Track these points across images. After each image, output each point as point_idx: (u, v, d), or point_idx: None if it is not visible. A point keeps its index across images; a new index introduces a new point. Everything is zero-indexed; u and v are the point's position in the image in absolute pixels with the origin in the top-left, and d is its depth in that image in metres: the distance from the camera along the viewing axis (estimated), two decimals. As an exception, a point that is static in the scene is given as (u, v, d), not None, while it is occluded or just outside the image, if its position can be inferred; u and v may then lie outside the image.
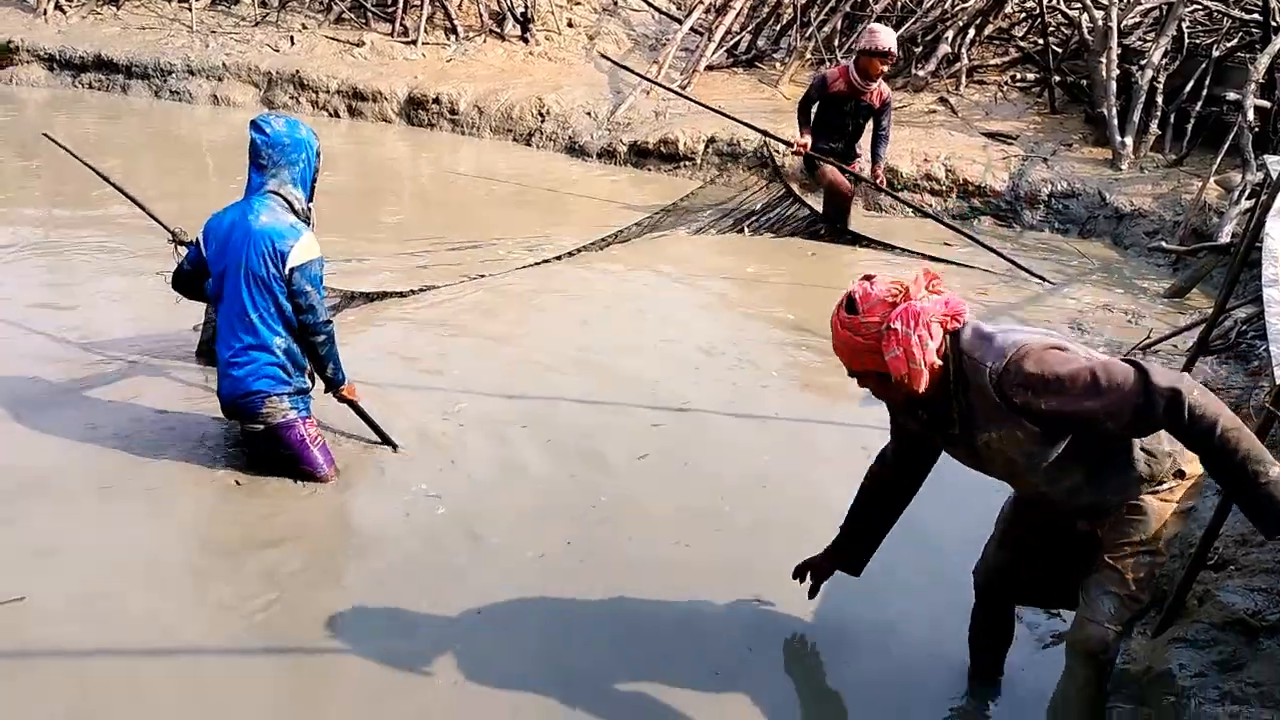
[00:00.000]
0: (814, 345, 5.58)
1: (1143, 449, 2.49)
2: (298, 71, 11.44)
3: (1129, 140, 8.72)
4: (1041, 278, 6.95)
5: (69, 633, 3.01)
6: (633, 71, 9.70)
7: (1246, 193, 7.37)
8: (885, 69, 7.27)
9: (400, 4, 12.05)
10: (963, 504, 3.61)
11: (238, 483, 3.89)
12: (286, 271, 3.75)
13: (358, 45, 11.86)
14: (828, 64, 10.87)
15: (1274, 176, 4.83)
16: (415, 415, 4.46)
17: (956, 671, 3.08)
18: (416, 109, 11.06)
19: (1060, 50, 10.21)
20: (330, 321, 3.91)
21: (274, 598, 3.24)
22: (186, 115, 11.22)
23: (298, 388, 3.92)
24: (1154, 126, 8.85)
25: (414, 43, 11.87)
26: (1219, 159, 7.90)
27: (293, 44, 12.01)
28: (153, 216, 4.74)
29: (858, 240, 7.54)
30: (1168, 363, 5.06)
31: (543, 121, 10.60)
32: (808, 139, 7.49)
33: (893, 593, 3.39)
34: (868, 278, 2.49)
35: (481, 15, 12.14)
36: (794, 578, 3.15)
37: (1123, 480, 2.51)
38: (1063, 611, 3.16)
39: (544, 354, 5.25)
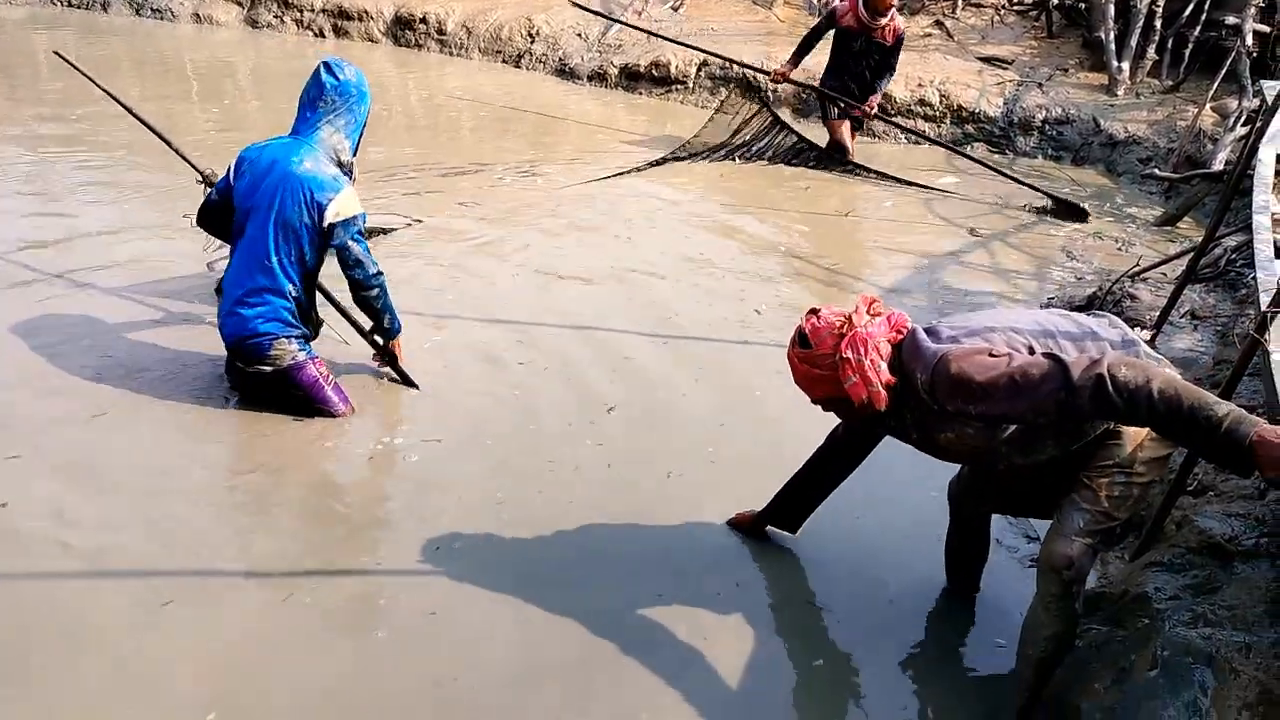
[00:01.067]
0: (808, 274, 5.56)
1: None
2: (282, -11, 11.19)
3: (1126, 65, 8.60)
4: (1078, 209, 6.73)
5: (40, 533, 3.04)
6: (605, 16, 9.54)
7: (1242, 119, 7.31)
8: (895, 2, 6.96)
9: (386, -81, 11.71)
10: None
11: (240, 414, 3.86)
12: (325, 225, 3.68)
13: (344, -37, 11.56)
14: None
15: (1269, 101, 4.76)
16: (422, 351, 4.40)
17: (933, 588, 3.12)
18: (403, 29, 10.85)
19: (1059, -28, 10.02)
20: (381, 273, 3.85)
21: (256, 523, 3.25)
22: (168, 34, 10.97)
23: (303, 332, 3.86)
24: (1152, 51, 8.72)
25: (400, -40, 11.57)
26: (1216, 85, 7.80)
27: (276, -40, 11.71)
28: (181, 155, 4.43)
29: (856, 169, 7.43)
30: (1156, 290, 5.05)
31: (532, 43, 10.41)
32: (789, 68, 7.32)
33: (867, 517, 3.42)
34: (813, 311, 2.60)
35: (470, -68, 11.81)
36: (728, 525, 3.32)
37: (1093, 426, 2.53)
38: (1043, 534, 3.19)
39: (539, 282, 5.21)
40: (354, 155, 3.84)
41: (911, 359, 2.48)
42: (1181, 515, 3.08)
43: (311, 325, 3.95)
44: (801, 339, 2.58)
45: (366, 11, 10.91)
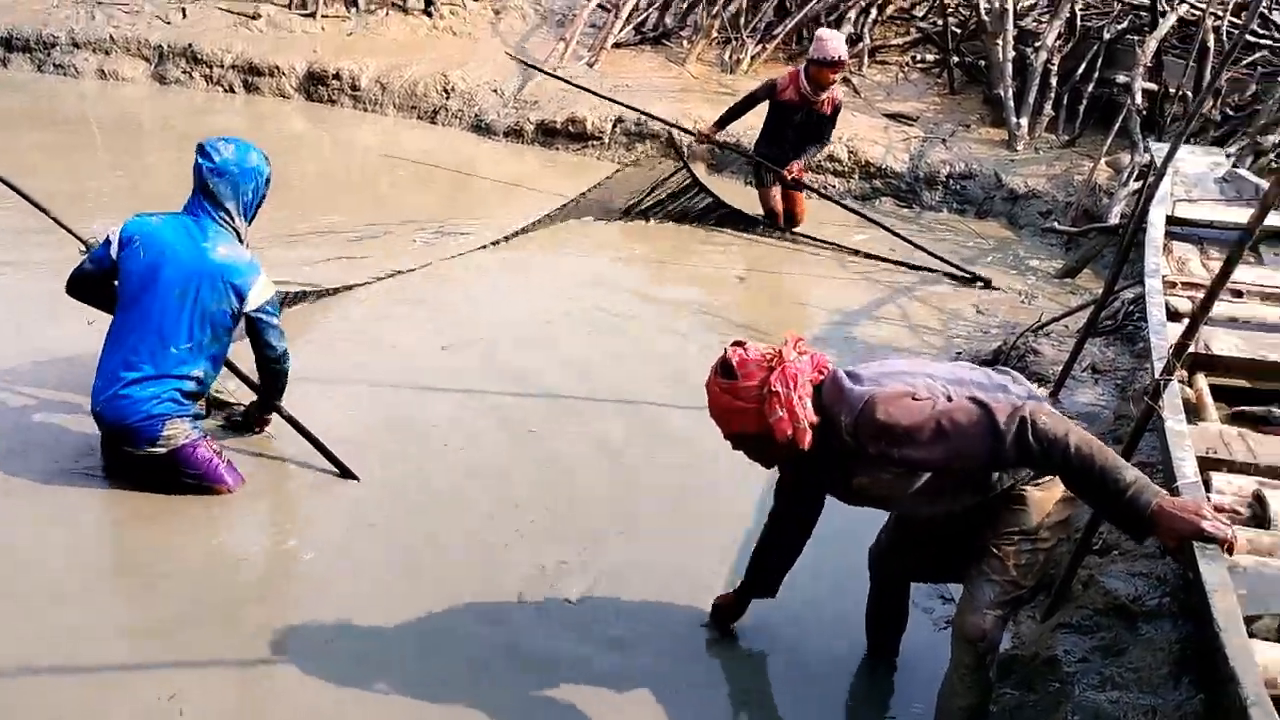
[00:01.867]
0: (720, 329, 5.61)
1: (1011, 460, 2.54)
2: (190, 45, 11.00)
3: (1024, 121, 8.91)
4: (980, 279, 6.74)
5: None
6: (533, 66, 9.60)
7: (1134, 174, 7.61)
8: (837, 78, 7.01)
9: (298, -25, 11.63)
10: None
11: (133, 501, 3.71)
12: (245, 310, 3.65)
13: (253, 17, 11.43)
14: (734, 42, 10.88)
15: (1157, 163, 4.96)
16: (327, 418, 4.31)
17: (851, 653, 3.14)
18: (316, 85, 10.74)
19: (959, 31, 10.37)
20: (287, 353, 3.85)
21: (137, 618, 3.12)
22: (72, 90, 10.71)
23: (196, 412, 3.79)
24: (1048, 108, 9.05)
25: (313, 15, 11.49)
26: (1109, 140, 8.12)
27: (185, 16, 11.52)
28: (61, 224, 4.18)
29: (784, 233, 7.41)
30: (1059, 345, 5.19)
31: (448, 99, 10.39)
32: (715, 130, 7.32)
33: (787, 583, 3.43)
34: (739, 343, 2.56)
35: (383, -12, 11.79)
36: (712, 623, 3.23)
37: (999, 484, 2.58)
38: (957, 596, 3.23)
39: (456, 356, 5.15)
40: (248, 226, 3.81)
41: (834, 400, 2.47)
42: (1088, 575, 3.15)
43: (200, 405, 3.87)
44: (725, 369, 2.50)
45: (278, 67, 10.79)
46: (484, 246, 6.55)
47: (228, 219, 3.68)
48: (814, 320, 5.97)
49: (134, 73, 11.02)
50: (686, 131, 7.82)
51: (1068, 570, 3.10)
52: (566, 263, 6.60)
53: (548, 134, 9.81)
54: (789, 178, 7.17)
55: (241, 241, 3.74)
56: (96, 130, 9.34)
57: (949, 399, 2.42)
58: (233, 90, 10.86)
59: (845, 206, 7.73)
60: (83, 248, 4.06)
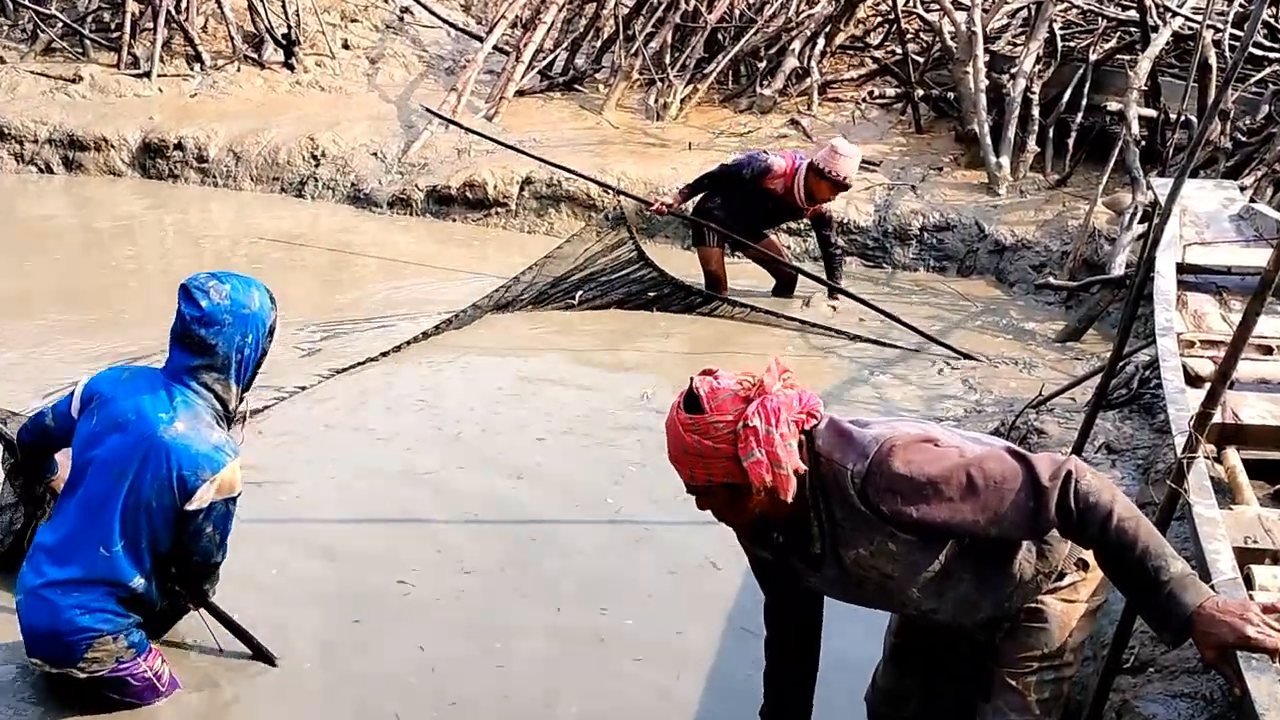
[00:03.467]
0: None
1: (1032, 547, 2.56)
2: (-7, 117, 10.99)
3: (1005, 160, 9.20)
4: (968, 356, 6.81)
5: None
6: (460, 125, 9.73)
7: (1138, 216, 7.85)
8: (834, 198, 7.42)
9: (127, 28, 11.71)
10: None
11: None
12: (188, 509, 3.31)
13: (74, 81, 11.45)
14: (659, 84, 11.11)
15: (1162, 202, 5.14)
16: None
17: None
18: (154, 157, 10.74)
19: (921, 60, 10.74)
20: (222, 561, 3.56)
21: None
22: None
23: (136, 622, 3.45)
24: (1032, 143, 9.35)
25: (147, 75, 11.54)
26: (1105, 177, 8.40)
27: (-14, 82, 11.51)
28: None
29: (733, 306, 7.49)
30: (1065, 422, 5.28)
31: (317, 166, 10.46)
32: (679, 200, 7.50)
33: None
34: (708, 372, 2.43)
35: (233, 38, 11.92)
36: None
37: (1019, 578, 2.57)
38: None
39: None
40: (245, 391, 3.50)
41: (835, 447, 2.42)
42: (1121, 700, 3.15)
43: (152, 611, 3.54)
44: (690, 403, 2.37)
45: (105, 139, 10.77)
46: (385, 354, 6.45)
47: (211, 382, 3.36)
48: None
49: (-78, 154, 10.94)
50: (643, 202, 7.78)
51: (1097, 696, 3.10)
52: (483, 366, 6.58)
53: (441, 202, 9.90)
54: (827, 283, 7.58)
55: (226, 415, 3.42)
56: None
57: (977, 446, 2.43)
58: (50, 169, 10.81)
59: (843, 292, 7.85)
60: None
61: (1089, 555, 2.61)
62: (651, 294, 7.52)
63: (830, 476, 2.41)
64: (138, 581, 3.37)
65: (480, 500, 4.89)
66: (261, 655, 3.75)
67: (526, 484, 5.05)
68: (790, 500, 2.39)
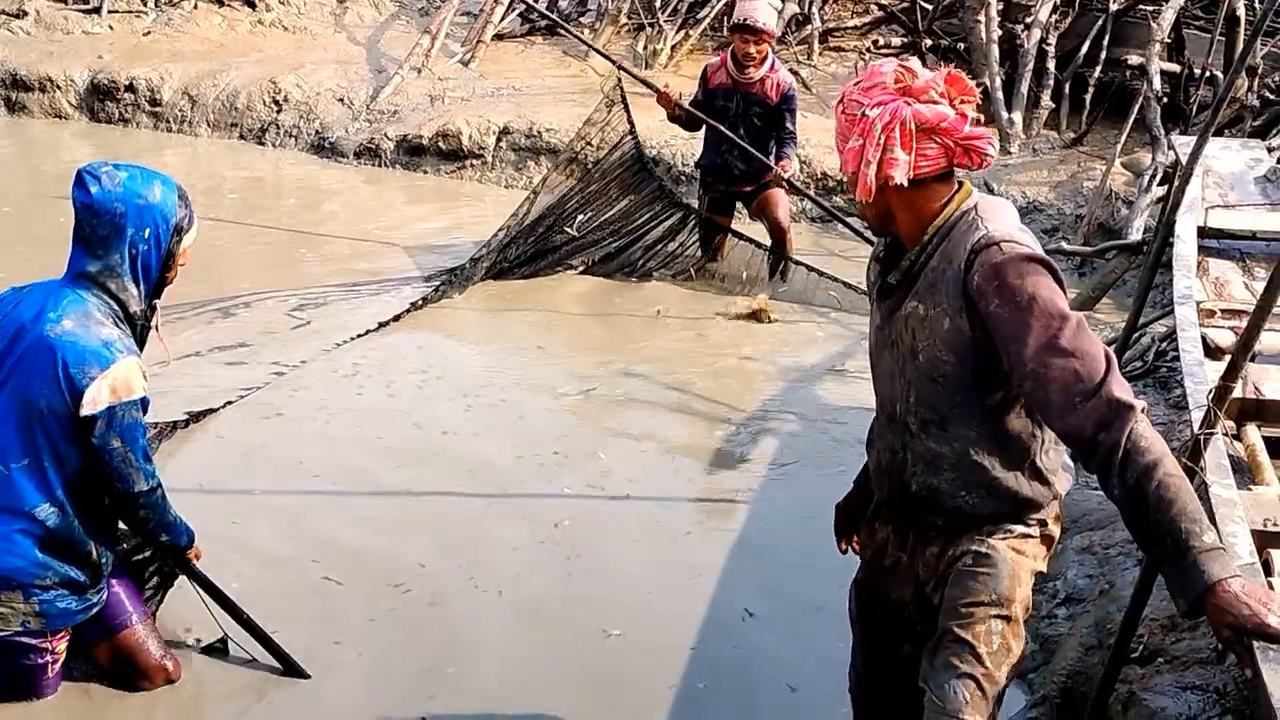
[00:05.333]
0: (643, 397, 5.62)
1: (1037, 463, 2.58)
2: (-70, 54, 10.90)
3: (1018, 117, 9.17)
4: None
5: None
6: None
7: (1158, 177, 7.83)
8: (758, 52, 7.01)
9: (76, -41, 11.59)
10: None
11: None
12: (82, 414, 3.15)
13: (18, 16, 11.37)
14: (649, 29, 11.06)
15: (1183, 162, 5.13)
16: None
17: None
18: (103, 99, 10.66)
19: (930, 7, 10.68)
20: (155, 489, 3.34)
21: None
22: None
23: (62, 579, 3.28)
24: (1046, 98, 9.33)
25: (97, 10, 11.46)
26: (1124, 136, 8.37)
27: (-78, 17, 11.41)
28: None
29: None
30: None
31: (279, 112, 10.38)
32: (682, 105, 7.16)
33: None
34: (905, 60, 2.56)
35: (190, -28, 11.80)
36: (840, 543, 3.08)
37: (992, 486, 2.59)
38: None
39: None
40: (153, 298, 3.38)
41: (989, 213, 2.49)
42: (1128, 691, 3.16)
43: (90, 568, 3.34)
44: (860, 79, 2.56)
45: (50, 79, 10.67)
46: (384, 324, 6.35)
47: (105, 280, 3.25)
48: (760, 378, 6.01)
49: None
50: (652, 88, 7.57)
51: (1101, 685, 3.11)
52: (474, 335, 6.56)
53: (412, 152, 9.84)
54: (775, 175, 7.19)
55: (128, 319, 3.30)
56: None
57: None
58: (-10, 111, 10.72)
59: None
60: None
61: (1053, 525, 2.67)
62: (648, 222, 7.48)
63: (962, 227, 2.48)
64: (46, 511, 3.21)
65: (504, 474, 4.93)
66: (288, 665, 3.63)
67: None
68: (866, 201, 2.51)
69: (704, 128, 7.25)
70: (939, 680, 2.57)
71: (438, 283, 6.96)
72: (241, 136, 10.37)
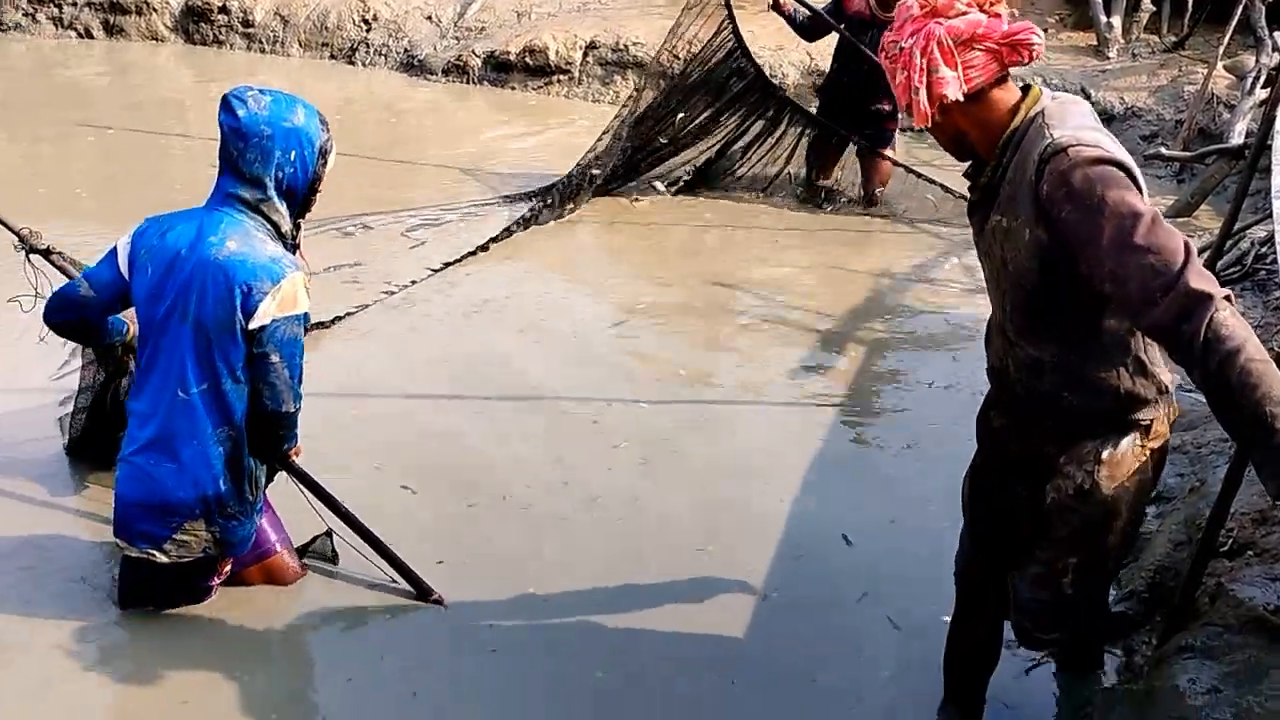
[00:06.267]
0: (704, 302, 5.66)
1: (1140, 357, 2.61)
2: (31, -21, 11.12)
3: (1117, 21, 8.96)
4: None
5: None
6: None
7: (1261, 80, 7.65)
8: None
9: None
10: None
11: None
12: (250, 328, 3.20)
13: (112, -59, 11.53)
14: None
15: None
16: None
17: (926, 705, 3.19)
18: (197, 21, 10.83)
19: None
20: (298, 411, 3.38)
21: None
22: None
23: (239, 504, 3.37)
24: (1147, 1, 9.09)
25: (189, -67, 11.58)
26: (1226, 38, 8.15)
27: (22, -58, 11.62)
28: None
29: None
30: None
31: (369, 31, 10.48)
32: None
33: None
34: None
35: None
36: None
37: (1094, 385, 2.63)
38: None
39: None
40: (299, 218, 3.41)
41: (1056, 116, 2.49)
42: (1215, 584, 3.18)
43: (255, 490, 3.42)
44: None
45: (146, 2, 10.87)
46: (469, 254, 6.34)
47: (257, 203, 3.27)
48: (853, 287, 6.02)
49: (-42, 17, 11.11)
50: None
51: (1189, 579, 3.13)
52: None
53: (499, 69, 9.89)
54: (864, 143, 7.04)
55: (282, 237, 3.33)
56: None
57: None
58: (89, 35, 10.95)
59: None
60: (17, 241, 3.77)
61: (1166, 428, 2.68)
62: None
63: (1031, 135, 2.48)
64: (225, 433, 3.27)
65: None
66: (420, 589, 3.60)
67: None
68: (934, 129, 2.56)
69: (833, 59, 7.07)
70: (1021, 566, 2.68)
71: (534, 203, 6.95)
72: (332, 56, 10.50)
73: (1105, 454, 2.64)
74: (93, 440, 4.07)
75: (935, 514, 3.93)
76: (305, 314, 3.31)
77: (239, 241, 3.21)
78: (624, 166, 7.30)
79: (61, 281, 3.61)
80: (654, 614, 3.58)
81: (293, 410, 3.35)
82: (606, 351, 5.29)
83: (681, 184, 7.44)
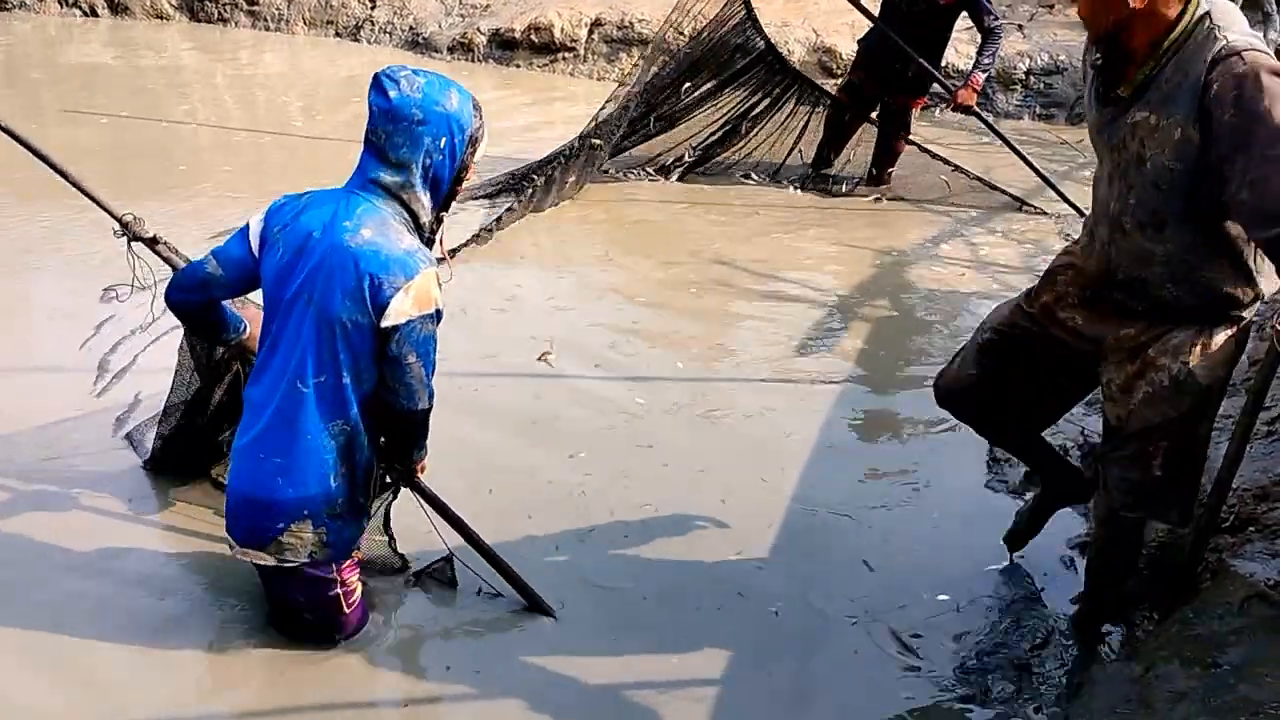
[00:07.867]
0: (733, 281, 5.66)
1: (1249, 265, 2.72)
2: (35, -44, 11.11)
3: None
4: (1075, 209, 6.49)
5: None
6: None
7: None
8: None
9: None
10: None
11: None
12: (383, 326, 3.00)
13: (117, -83, 11.51)
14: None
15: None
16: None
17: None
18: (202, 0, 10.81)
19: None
20: (431, 409, 3.19)
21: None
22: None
23: (348, 505, 3.17)
24: (1154, -24, 9.02)
25: (195, -90, 11.55)
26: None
27: (27, -80, 11.61)
28: (91, 197, 3.64)
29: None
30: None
31: (373, 8, 10.46)
32: None
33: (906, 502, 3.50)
34: None
35: None
36: None
37: (1200, 283, 2.75)
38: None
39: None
40: (442, 210, 3.21)
41: (1225, 18, 2.55)
42: (1217, 560, 3.18)
43: (368, 492, 3.24)
44: None
45: (152, -21, 10.87)
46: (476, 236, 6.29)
47: (397, 190, 3.06)
48: (859, 263, 6.01)
49: (-41, -5, 11.11)
50: None
51: (1191, 553, 3.12)
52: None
53: (505, 46, 9.87)
54: (950, 100, 6.82)
55: (419, 229, 3.12)
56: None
57: None
58: (94, 13, 10.93)
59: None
60: (118, 228, 3.55)
61: (1250, 313, 2.85)
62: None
63: (1199, 37, 2.54)
64: (339, 429, 3.08)
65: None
66: (535, 603, 3.48)
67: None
68: (1089, 17, 2.67)
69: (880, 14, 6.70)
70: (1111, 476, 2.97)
71: (534, 176, 6.87)
72: (337, 34, 10.49)
73: (1198, 347, 2.78)
74: (178, 453, 3.90)
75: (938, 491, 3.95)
76: (439, 310, 3.10)
77: (374, 230, 2.99)
78: (627, 137, 7.18)
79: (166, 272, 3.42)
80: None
81: (426, 407, 3.16)
82: (607, 328, 5.29)
83: (686, 166, 7.36)
